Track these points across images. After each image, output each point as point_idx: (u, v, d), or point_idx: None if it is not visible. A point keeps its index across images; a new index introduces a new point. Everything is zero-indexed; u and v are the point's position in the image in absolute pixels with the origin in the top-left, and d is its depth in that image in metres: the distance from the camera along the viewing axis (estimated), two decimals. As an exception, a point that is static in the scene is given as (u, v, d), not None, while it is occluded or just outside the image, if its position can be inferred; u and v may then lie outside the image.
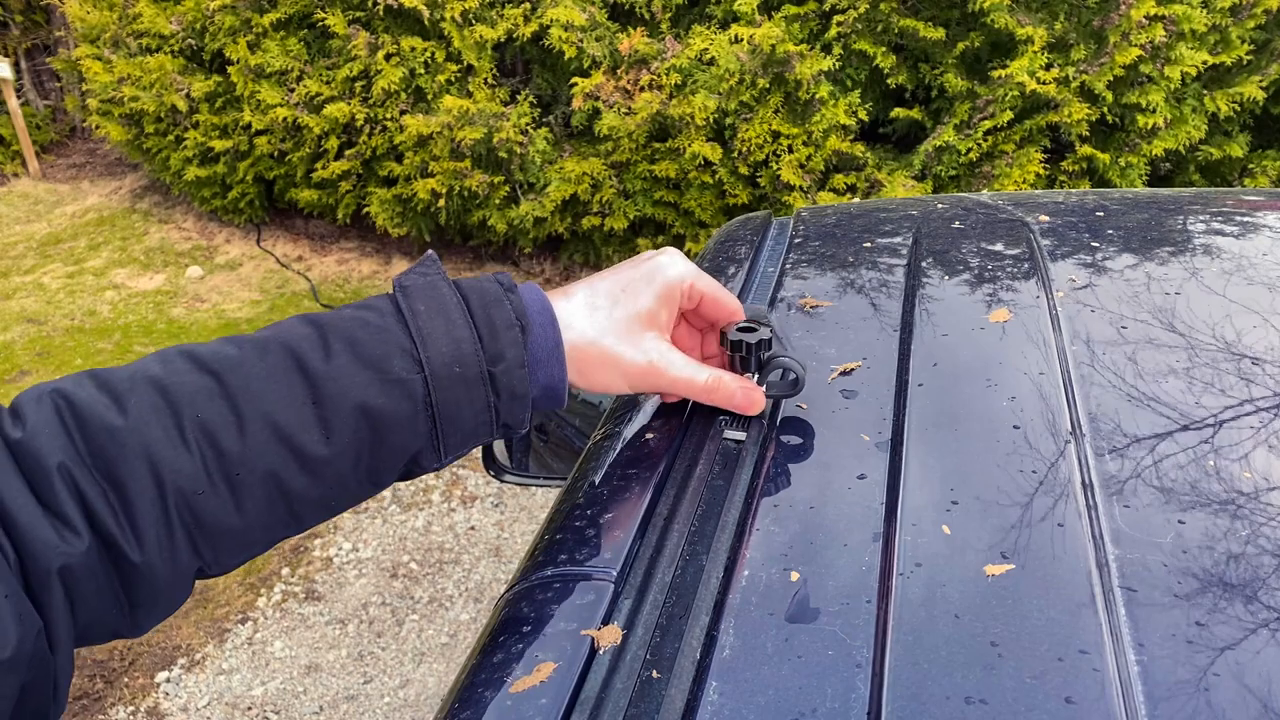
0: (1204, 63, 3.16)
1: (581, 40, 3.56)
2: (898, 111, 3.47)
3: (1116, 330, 0.67)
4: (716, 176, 3.60)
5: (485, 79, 3.86)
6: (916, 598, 0.44)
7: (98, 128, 4.75)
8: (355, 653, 2.44)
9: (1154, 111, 3.21)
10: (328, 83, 4.00)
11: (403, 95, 3.88)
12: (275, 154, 4.31)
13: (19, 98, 5.88)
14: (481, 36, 3.73)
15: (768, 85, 3.37)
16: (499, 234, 4.10)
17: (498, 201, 3.93)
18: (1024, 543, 0.47)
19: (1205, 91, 3.28)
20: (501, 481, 1.12)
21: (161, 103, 4.30)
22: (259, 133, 4.27)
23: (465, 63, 3.82)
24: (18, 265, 4.77)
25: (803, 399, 0.62)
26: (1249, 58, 3.23)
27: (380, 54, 3.81)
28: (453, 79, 3.86)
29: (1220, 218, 0.94)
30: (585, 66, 3.64)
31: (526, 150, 3.78)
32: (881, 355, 0.66)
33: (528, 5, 3.73)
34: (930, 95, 3.49)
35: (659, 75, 3.49)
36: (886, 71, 3.40)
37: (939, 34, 3.24)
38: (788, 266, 0.85)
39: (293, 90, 4.07)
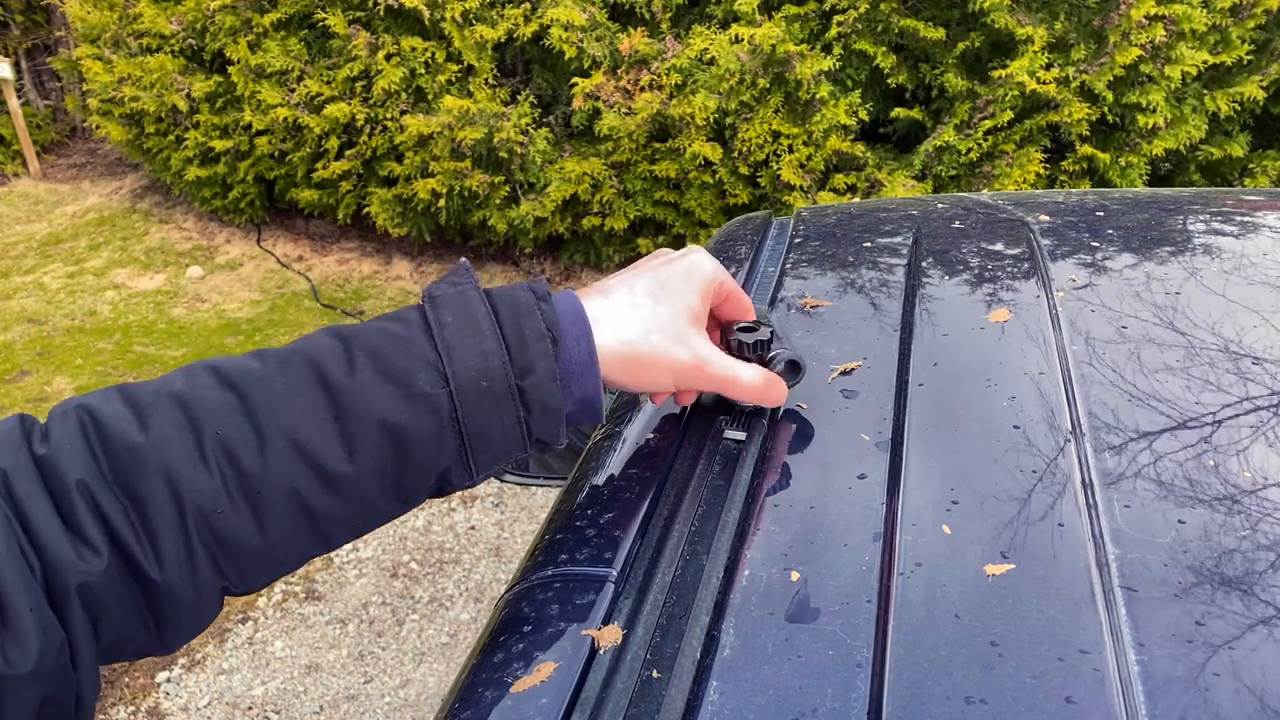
0: (1204, 62, 3.16)
1: (582, 40, 3.56)
2: (898, 111, 3.47)
3: (1116, 330, 0.67)
4: (717, 176, 3.60)
5: (486, 79, 3.86)
6: (917, 597, 0.44)
7: (98, 128, 4.75)
8: (356, 652, 2.44)
9: (1154, 111, 3.21)
10: (328, 83, 4.00)
11: (403, 95, 3.88)
12: (276, 154, 4.31)
13: (19, 98, 5.88)
14: (482, 36, 3.73)
15: (768, 85, 3.37)
16: (499, 234, 4.10)
17: (498, 201, 3.93)
18: (1024, 542, 0.47)
19: (1205, 91, 3.28)
20: (502, 481, 1.12)
21: (162, 103, 4.30)
22: (259, 133, 4.27)
23: (466, 63, 3.83)
24: (18, 265, 4.77)
25: (803, 399, 0.62)
26: (1249, 57, 3.23)
27: (381, 54, 3.81)
28: (453, 79, 3.86)
29: (1220, 218, 0.94)
30: (585, 66, 3.64)
31: (527, 150, 3.78)
32: (882, 355, 0.66)
33: (528, 5, 3.73)
34: (930, 95, 3.50)
35: (659, 75, 3.49)
36: (887, 71, 3.40)
37: (939, 34, 3.24)
38: (788, 266, 0.85)
39: (293, 90, 4.07)
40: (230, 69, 4.17)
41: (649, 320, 0.53)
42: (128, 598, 0.43)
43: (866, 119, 3.47)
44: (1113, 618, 0.42)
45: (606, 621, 0.46)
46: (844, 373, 0.65)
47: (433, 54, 3.81)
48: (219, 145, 4.34)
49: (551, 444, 0.52)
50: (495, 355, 0.48)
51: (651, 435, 0.62)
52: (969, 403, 0.59)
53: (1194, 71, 3.17)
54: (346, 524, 0.48)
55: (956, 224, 0.93)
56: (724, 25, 3.53)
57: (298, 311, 4.26)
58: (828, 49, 3.41)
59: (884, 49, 3.36)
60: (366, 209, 4.24)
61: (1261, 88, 3.21)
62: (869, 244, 0.89)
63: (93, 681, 0.43)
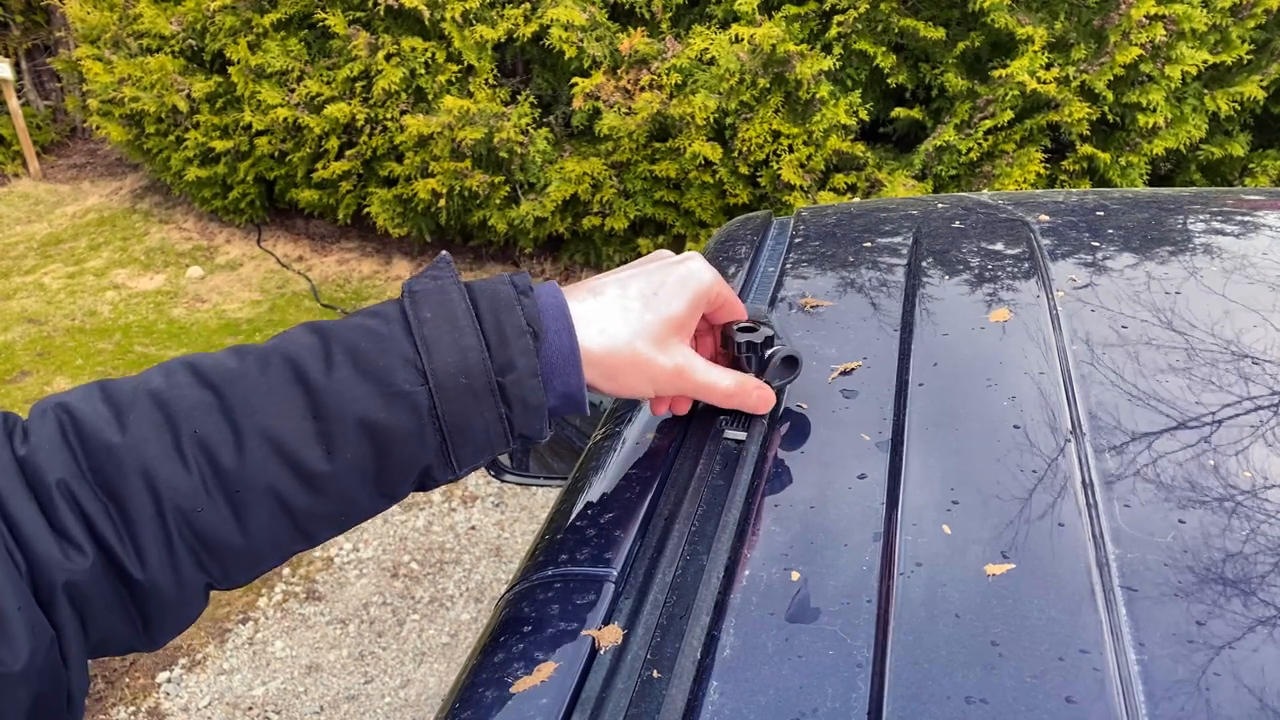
0: (1204, 62, 3.16)
1: (582, 40, 3.56)
2: (898, 111, 3.47)
3: (1116, 330, 0.67)
4: (717, 176, 3.60)
5: (486, 79, 3.86)
6: (917, 597, 0.44)
7: (98, 128, 4.75)
8: (356, 653, 2.44)
9: (1154, 111, 3.21)
10: (328, 83, 4.00)
11: (403, 95, 3.88)
12: (276, 154, 4.31)
13: (19, 98, 5.88)
14: (482, 37, 3.73)
15: (768, 85, 3.37)
16: (499, 234, 4.10)
17: (498, 201, 3.93)
18: (1024, 542, 0.47)
19: (1206, 91, 3.28)
20: (502, 481, 1.12)
21: (162, 103, 4.30)
22: (259, 133, 4.27)
23: (466, 63, 3.83)
24: (18, 265, 4.77)
25: (803, 399, 0.62)
26: (1249, 57, 3.23)
27: (381, 54, 3.81)
28: (453, 79, 3.86)
29: (1220, 217, 0.94)
30: (585, 66, 3.64)
31: (527, 150, 3.78)
32: (882, 355, 0.66)
33: (528, 5, 3.73)
34: (930, 95, 3.49)
35: (659, 75, 3.49)
36: (887, 71, 3.40)
37: (939, 34, 3.24)
38: (788, 266, 0.85)
39: (293, 90, 4.07)
40: (230, 69, 4.17)
41: (637, 326, 0.53)
42: (113, 596, 0.44)
43: (867, 119, 3.47)
44: (1113, 617, 0.42)
45: (607, 621, 0.46)
46: (844, 373, 0.65)
47: (433, 54, 3.81)
48: (219, 145, 4.34)
49: (535, 439, 0.52)
50: (475, 352, 0.48)
51: (651, 435, 0.62)
52: (969, 402, 0.59)
53: (1194, 71, 3.17)
54: (328, 520, 0.48)
55: (957, 224, 0.93)
56: (724, 25, 3.53)
57: (298, 312, 4.26)
58: (828, 49, 3.41)
59: (884, 49, 3.36)
60: (367, 209, 4.24)
61: (1262, 87, 3.21)
62: (869, 244, 0.89)
63: (82, 678, 0.44)
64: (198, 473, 0.44)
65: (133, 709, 2.27)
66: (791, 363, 0.59)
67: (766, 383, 0.59)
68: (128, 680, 2.35)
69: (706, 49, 3.42)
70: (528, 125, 3.80)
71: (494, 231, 4.09)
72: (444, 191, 3.89)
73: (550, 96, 4.01)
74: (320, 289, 4.44)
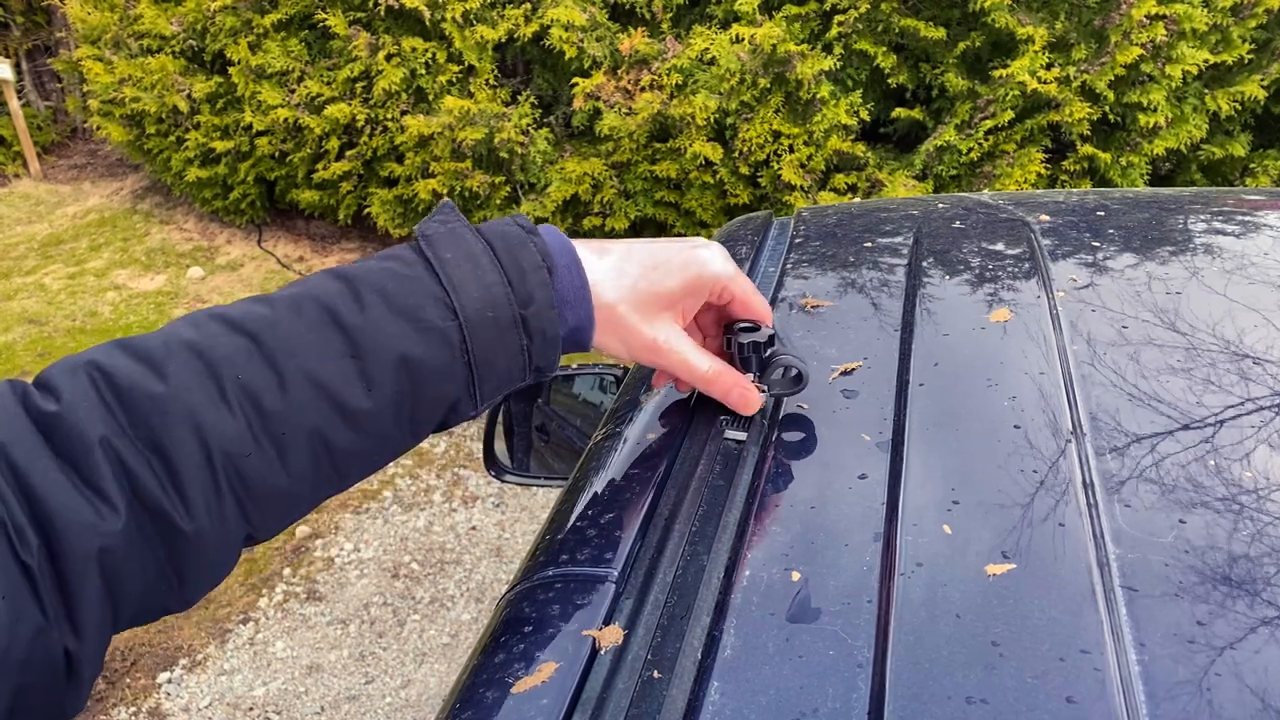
0: (1205, 62, 3.16)
1: (582, 40, 3.56)
2: (899, 111, 3.47)
3: (1117, 330, 0.67)
4: (717, 176, 3.60)
5: (486, 79, 3.86)
6: (917, 597, 0.44)
7: (99, 129, 4.75)
8: (357, 653, 2.44)
9: (1155, 110, 3.21)
10: (328, 83, 4.00)
11: (404, 96, 3.89)
12: (276, 155, 4.31)
13: (20, 99, 5.88)
14: (482, 37, 3.73)
15: (768, 85, 3.37)
16: (500, 234, 4.10)
17: (499, 202, 3.93)
18: (1025, 542, 0.47)
19: (1206, 90, 3.28)
20: (502, 481, 1.12)
21: (163, 104, 4.30)
22: (260, 133, 4.27)
23: (466, 63, 3.83)
24: (19, 266, 4.77)
25: (803, 399, 0.62)
26: (1250, 57, 3.23)
27: (381, 55, 3.81)
28: (454, 79, 3.86)
29: (1221, 217, 0.94)
30: (586, 67, 3.64)
31: (527, 150, 3.78)
32: (882, 355, 0.66)
33: (528, 5, 3.73)
34: (931, 95, 3.49)
35: (660, 75, 3.49)
36: (887, 71, 3.40)
37: (940, 34, 3.24)
38: (788, 266, 0.85)
39: (294, 91, 4.07)
40: (231, 70, 4.17)
41: (625, 290, 0.55)
42: (149, 556, 0.43)
43: (867, 119, 3.47)
44: (1114, 618, 0.42)
45: (607, 622, 0.46)
46: (844, 373, 0.65)
47: (433, 54, 3.81)
48: (220, 146, 4.34)
49: (547, 371, 0.54)
50: (498, 287, 0.50)
51: (652, 435, 0.62)
52: (969, 403, 0.59)
53: (1195, 71, 3.16)
54: (363, 459, 0.50)
55: (957, 224, 0.93)
56: (724, 25, 3.53)
57: (298, 312, 4.26)
58: (828, 49, 3.41)
59: (884, 49, 3.36)
60: (367, 210, 4.24)
61: (1262, 87, 3.21)
62: (869, 244, 0.89)
63: (96, 654, 0.42)
64: (243, 418, 0.44)
65: (133, 709, 2.27)
66: (797, 377, 0.59)
67: (766, 388, 0.59)
68: (128, 680, 2.35)
69: (707, 49, 3.42)
70: (528, 125, 3.80)
71: (494, 232, 4.08)
72: (445, 192, 3.89)
73: (551, 97, 4.01)
74: (321, 289, 4.44)
